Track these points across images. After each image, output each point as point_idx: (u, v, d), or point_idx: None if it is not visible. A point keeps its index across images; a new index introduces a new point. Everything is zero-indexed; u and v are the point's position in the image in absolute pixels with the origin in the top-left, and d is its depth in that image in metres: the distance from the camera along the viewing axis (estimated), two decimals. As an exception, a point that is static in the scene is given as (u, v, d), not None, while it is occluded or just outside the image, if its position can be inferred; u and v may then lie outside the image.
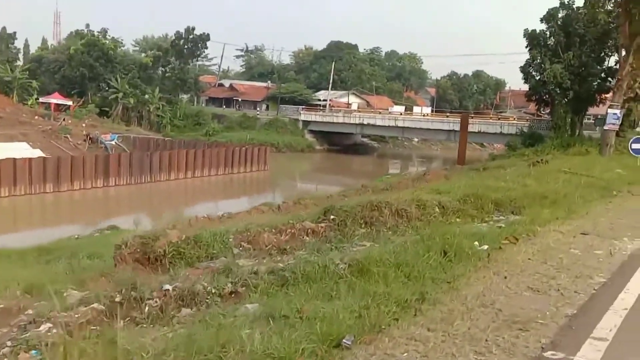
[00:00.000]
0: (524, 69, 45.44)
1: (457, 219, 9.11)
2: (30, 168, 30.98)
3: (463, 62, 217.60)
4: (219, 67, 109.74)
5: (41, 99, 56.18)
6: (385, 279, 5.59)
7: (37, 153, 42.68)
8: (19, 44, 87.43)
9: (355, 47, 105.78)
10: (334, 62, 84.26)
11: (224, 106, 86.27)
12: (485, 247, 7.17)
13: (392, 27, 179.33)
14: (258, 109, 79.05)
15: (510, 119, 67.10)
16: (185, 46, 73.10)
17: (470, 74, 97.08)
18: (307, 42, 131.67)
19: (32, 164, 31.68)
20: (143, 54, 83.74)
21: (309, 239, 8.28)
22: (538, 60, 44.06)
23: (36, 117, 52.86)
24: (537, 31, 43.86)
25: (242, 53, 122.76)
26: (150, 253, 7.88)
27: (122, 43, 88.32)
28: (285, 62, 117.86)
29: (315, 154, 66.16)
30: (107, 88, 70.57)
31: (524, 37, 43.79)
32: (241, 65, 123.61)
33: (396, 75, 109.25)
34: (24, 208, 30.61)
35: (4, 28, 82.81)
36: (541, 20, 43.45)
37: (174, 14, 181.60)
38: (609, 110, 30.22)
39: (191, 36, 72.50)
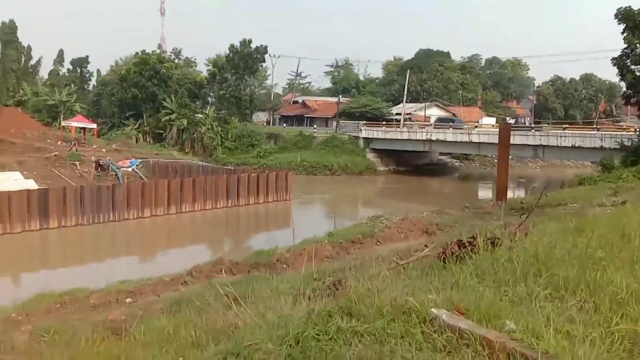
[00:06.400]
0: (618, 62, 33.48)
1: None
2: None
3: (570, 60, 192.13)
4: (295, 82, 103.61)
5: (63, 123, 52.16)
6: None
7: (29, 184, 37.66)
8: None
9: (447, 55, 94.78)
10: (408, 72, 74.32)
11: (283, 125, 79.19)
12: None
13: (491, 32, 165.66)
14: (315, 126, 70.83)
15: (630, 129, 54.53)
16: (242, 61, 66.92)
17: (577, 78, 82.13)
18: (399, 53, 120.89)
19: None
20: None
21: None
22: (638, 49, 32.21)
23: (59, 142, 48.66)
24: (635, 10, 32.02)
25: (332, 69, 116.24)
26: None
27: (194, 62, 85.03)
28: (374, 76, 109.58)
29: (378, 176, 56.75)
30: (161, 109, 66.34)
31: (615, 17, 32.06)
32: (330, 82, 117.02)
33: (494, 83, 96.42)
34: None
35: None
36: (640, -7, 31.61)
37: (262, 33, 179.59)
38: None
39: (246, 49, 66.18)
